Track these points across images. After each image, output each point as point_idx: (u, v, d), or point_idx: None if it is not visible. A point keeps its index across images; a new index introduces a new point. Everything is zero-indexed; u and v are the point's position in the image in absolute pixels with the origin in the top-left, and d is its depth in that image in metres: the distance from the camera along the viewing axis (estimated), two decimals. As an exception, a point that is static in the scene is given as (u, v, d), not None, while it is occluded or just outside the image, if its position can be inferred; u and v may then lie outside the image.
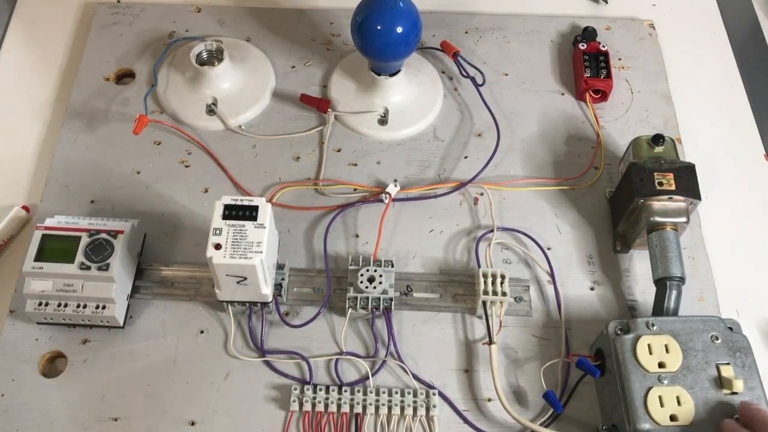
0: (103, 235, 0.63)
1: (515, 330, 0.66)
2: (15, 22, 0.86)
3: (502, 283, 0.64)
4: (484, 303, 0.64)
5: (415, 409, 0.61)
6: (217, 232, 0.59)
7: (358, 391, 0.61)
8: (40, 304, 0.62)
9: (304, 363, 0.63)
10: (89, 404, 0.61)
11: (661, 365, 0.57)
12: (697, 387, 0.56)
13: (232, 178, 0.74)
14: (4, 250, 0.70)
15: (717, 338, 0.58)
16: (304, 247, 0.70)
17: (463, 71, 0.79)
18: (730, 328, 0.59)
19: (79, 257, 0.62)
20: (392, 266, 0.66)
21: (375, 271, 0.65)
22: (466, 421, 0.62)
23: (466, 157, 0.76)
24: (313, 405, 0.61)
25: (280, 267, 0.66)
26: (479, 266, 0.68)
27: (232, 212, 0.60)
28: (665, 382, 0.56)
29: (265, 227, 0.59)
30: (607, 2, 0.89)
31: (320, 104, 0.77)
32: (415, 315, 0.66)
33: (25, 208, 0.71)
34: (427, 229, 0.71)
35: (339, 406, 0.61)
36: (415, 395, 0.61)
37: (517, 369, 0.64)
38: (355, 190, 0.73)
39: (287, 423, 0.61)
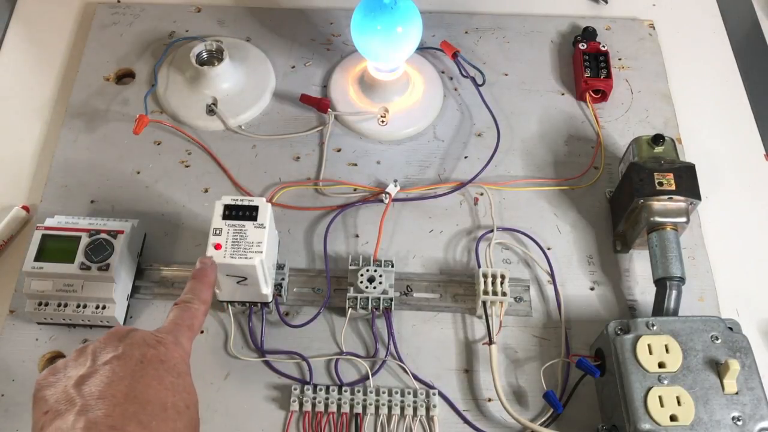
0: (103, 235, 0.63)
1: (515, 330, 0.66)
2: (15, 22, 0.86)
3: (502, 283, 0.64)
4: (484, 303, 0.64)
5: (415, 409, 0.61)
6: (217, 232, 0.59)
7: (358, 391, 0.61)
8: (40, 304, 0.62)
9: (304, 363, 0.63)
10: (89, 404, 0.61)
11: (661, 365, 0.57)
12: (697, 387, 0.56)
13: (232, 178, 0.74)
14: (4, 250, 0.70)
15: (717, 338, 0.58)
16: (304, 247, 0.70)
17: (463, 71, 0.79)
18: (730, 328, 0.59)
19: (79, 257, 0.62)
20: (392, 266, 0.66)
21: (375, 271, 0.65)
22: (466, 421, 0.62)
23: (466, 157, 0.76)
24: (313, 405, 0.61)
25: (280, 267, 0.66)
26: (479, 266, 0.68)
27: (232, 212, 0.60)
28: (665, 382, 0.56)
29: (265, 227, 0.59)
30: (607, 2, 0.89)
31: (320, 104, 0.77)
32: (415, 315, 0.66)
33: (25, 208, 0.71)
34: (427, 229, 0.71)
35: (339, 406, 0.61)
36: (415, 395, 0.61)
37: (517, 369, 0.64)
38: (355, 190, 0.73)
39: (287, 423, 0.61)
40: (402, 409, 0.61)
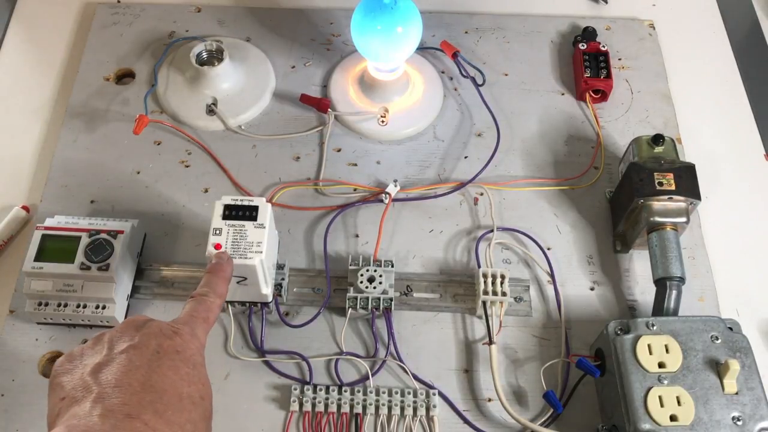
0: (103, 235, 0.63)
1: (515, 330, 0.66)
2: (15, 22, 0.86)
3: (502, 283, 0.64)
4: (484, 303, 0.64)
5: (415, 409, 0.61)
6: (217, 232, 0.59)
7: (358, 391, 0.61)
8: (40, 304, 0.62)
9: (304, 363, 0.63)
10: (89, 404, 0.61)
11: (661, 365, 0.57)
12: (697, 387, 0.56)
13: (232, 178, 0.74)
14: (4, 250, 0.70)
15: (717, 338, 0.58)
16: (304, 247, 0.70)
17: (463, 71, 0.79)
18: (730, 328, 0.59)
19: (79, 257, 0.62)
20: (392, 266, 0.66)
21: (375, 271, 0.65)
22: (466, 421, 0.62)
23: (466, 157, 0.76)
24: (313, 405, 0.61)
25: (280, 267, 0.66)
26: (479, 266, 0.68)
27: (232, 212, 0.60)
28: (665, 382, 0.56)
29: (265, 227, 0.59)
30: (607, 2, 0.89)
31: (320, 104, 0.77)
32: (415, 315, 0.66)
33: (25, 208, 0.71)
34: (427, 229, 0.71)
35: (339, 407, 0.61)
36: (415, 395, 0.61)
37: (517, 369, 0.64)
38: (355, 190, 0.73)
39: (287, 423, 0.61)
40: (402, 409, 0.61)
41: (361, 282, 0.64)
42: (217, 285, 0.54)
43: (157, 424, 0.41)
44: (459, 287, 0.67)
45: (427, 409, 0.61)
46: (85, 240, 0.62)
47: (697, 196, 0.65)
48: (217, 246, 0.58)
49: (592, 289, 0.68)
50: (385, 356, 0.64)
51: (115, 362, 0.43)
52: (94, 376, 0.42)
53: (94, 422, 0.39)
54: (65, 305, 0.62)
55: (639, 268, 0.69)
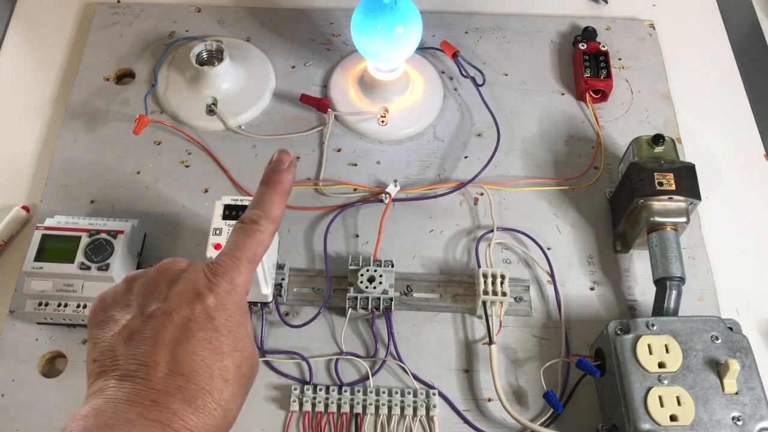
0: (103, 235, 0.63)
1: (515, 330, 0.66)
2: (15, 22, 0.86)
3: (502, 283, 0.64)
4: (484, 303, 0.64)
5: (415, 409, 0.61)
6: (217, 232, 0.59)
7: (358, 391, 0.61)
8: (40, 304, 0.62)
9: (304, 363, 0.63)
10: (89, 404, 0.61)
11: (661, 365, 0.57)
12: (697, 387, 0.56)
13: (232, 178, 0.74)
14: (4, 250, 0.70)
15: (717, 338, 0.58)
16: (304, 247, 0.70)
17: (463, 71, 0.79)
18: (730, 328, 0.59)
19: (79, 257, 0.62)
20: (392, 266, 0.66)
21: (375, 271, 0.65)
22: (466, 421, 0.62)
23: (466, 157, 0.76)
24: (313, 405, 0.61)
25: (280, 267, 0.66)
26: (479, 266, 0.68)
27: (232, 212, 0.60)
28: (665, 382, 0.56)
29: (265, 227, 0.59)
30: (607, 2, 0.89)
31: (320, 104, 0.77)
32: (415, 315, 0.66)
33: (25, 208, 0.71)
34: (427, 229, 0.71)
35: (339, 406, 0.61)
36: (415, 395, 0.61)
37: (517, 369, 0.64)
38: (355, 190, 0.73)
39: (287, 423, 0.61)
40: (402, 409, 0.61)
41: (361, 282, 0.64)
42: (273, 204, 0.45)
43: (185, 413, 0.39)
44: (459, 287, 0.67)
45: (427, 409, 0.61)
46: (85, 240, 0.62)
47: (697, 196, 0.65)
48: (217, 246, 0.58)
49: (592, 289, 0.68)
50: (385, 356, 0.64)
51: (144, 333, 0.40)
52: (123, 345, 0.40)
53: (121, 408, 0.38)
54: (65, 305, 0.62)
55: (639, 268, 0.69)
